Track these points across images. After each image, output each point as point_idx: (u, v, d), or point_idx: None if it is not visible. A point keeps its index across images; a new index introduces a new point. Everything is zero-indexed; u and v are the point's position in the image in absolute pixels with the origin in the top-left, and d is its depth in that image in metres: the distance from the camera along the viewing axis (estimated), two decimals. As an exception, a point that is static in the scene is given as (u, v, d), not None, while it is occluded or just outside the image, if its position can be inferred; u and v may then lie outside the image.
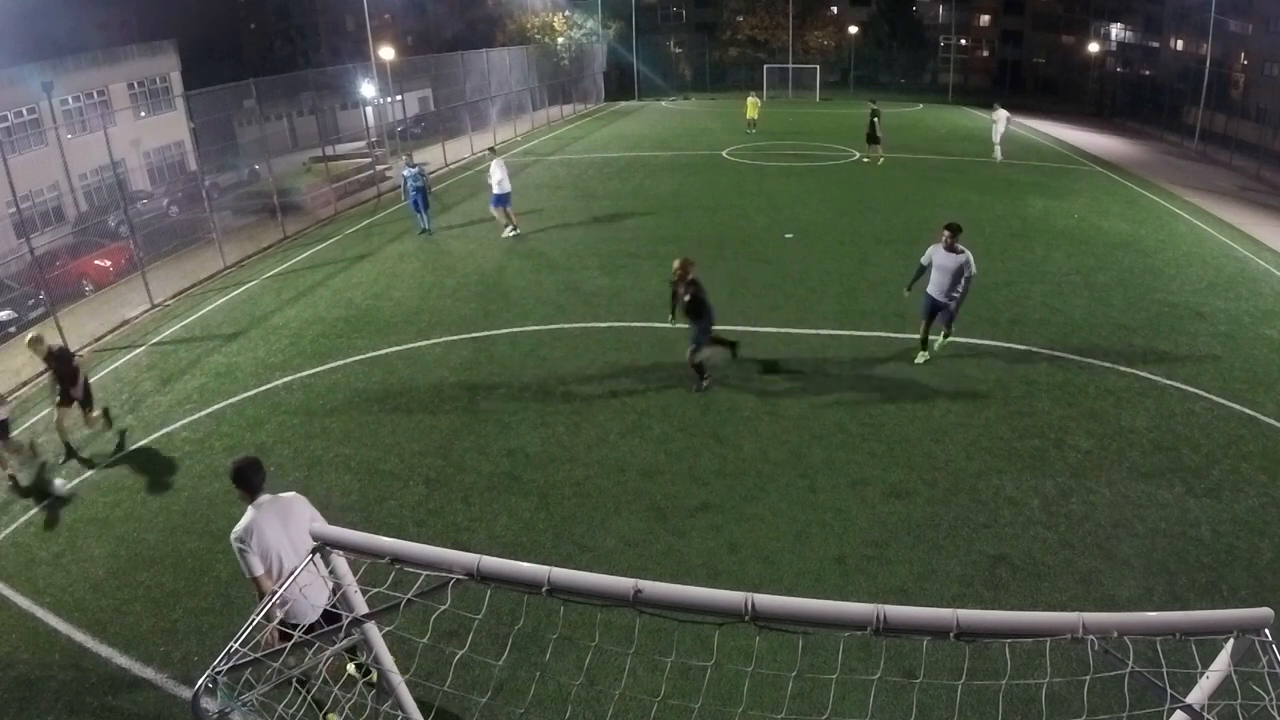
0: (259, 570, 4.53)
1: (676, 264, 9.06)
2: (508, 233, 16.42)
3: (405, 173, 16.97)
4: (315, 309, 12.91)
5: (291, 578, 3.04)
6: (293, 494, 4.86)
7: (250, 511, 4.62)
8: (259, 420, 9.26)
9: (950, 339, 10.01)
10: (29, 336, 8.83)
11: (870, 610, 2.28)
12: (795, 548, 6.72)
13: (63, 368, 8.67)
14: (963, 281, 9.21)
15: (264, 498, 4.68)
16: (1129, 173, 23.84)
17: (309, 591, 3.95)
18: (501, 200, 16.29)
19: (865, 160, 24.22)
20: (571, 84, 41.46)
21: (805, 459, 8.01)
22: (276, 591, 3.00)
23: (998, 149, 24.54)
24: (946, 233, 9.27)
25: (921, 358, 10.01)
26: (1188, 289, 12.87)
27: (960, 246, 9.21)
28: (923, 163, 24.44)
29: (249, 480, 4.65)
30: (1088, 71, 48.90)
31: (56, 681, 5.60)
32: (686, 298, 9.01)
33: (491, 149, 18.14)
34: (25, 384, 11.01)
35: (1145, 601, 5.99)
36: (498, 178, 16.09)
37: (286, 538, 4.61)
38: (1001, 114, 24.51)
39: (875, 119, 23.90)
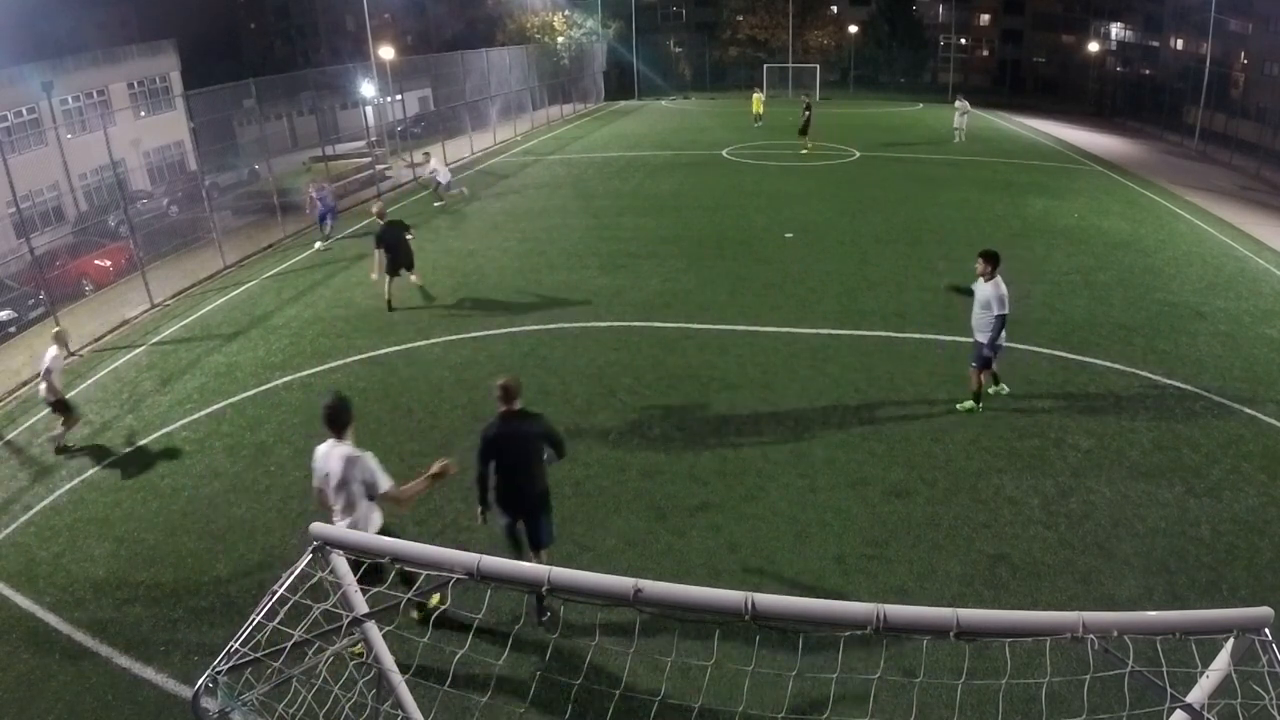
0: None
1: None
2: (463, 191, 20.36)
3: (313, 192, 17.15)
4: (315, 309, 12.91)
5: (288, 576, 3.03)
6: (354, 451, 5.35)
7: (327, 441, 5.38)
8: (259, 420, 9.26)
9: (972, 404, 8.72)
10: (376, 207, 13.06)
11: (870, 610, 2.28)
12: (795, 547, 6.72)
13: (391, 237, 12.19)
14: (992, 319, 8.18)
15: (342, 444, 5.34)
16: (1129, 172, 23.84)
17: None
18: (448, 186, 19.94)
19: (804, 151, 25.91)
20: (571, 84, 41.44)
21: (805, 458, 8.00)
22: (276, 592, 2.99)
23: (960, 132, 28.54)
24: (980, 261, 8.24)
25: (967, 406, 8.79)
26: (1188, 288, 12.86)
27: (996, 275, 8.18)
28: (923, 162, 24.45)
29: (336, 422, 5.35)
30: (1088, 71, 48.84)
31: (56, 681, 5.60)
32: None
33: (426, 153, 21.73)
34: (25, 384, 11.01)
35: (1145, 601, 5.99)
36: (439, 168, 20.16)
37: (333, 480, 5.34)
38: (964, 104, 29.19)
39: (808, 113, 26.57)
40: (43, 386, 8.98)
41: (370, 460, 5.33)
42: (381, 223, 12.46)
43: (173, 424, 9.30)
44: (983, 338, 8.38)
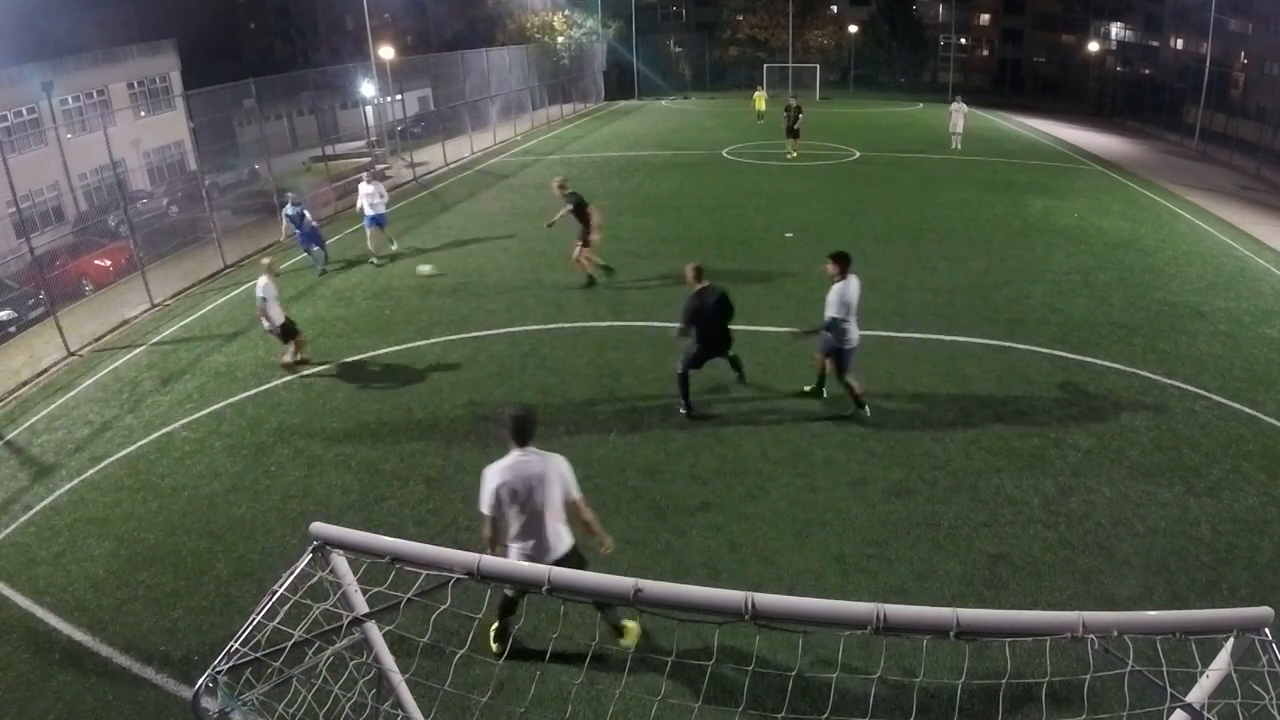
0: (487, 510, 4.99)
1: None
2: (382, 256, 15.08)
3: (288, 212, 14.52)
4: (315, 309, 12.90)
5: (288, 576, 3.03)
6: (549, 456, 5.05)
7: (511, 454, 4.97)
8: (259, 420, 9.26)
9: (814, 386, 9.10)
10: (556, 180, 13.03)
11: (870, 609, 2.28)
12: (795, 547, 6.72)
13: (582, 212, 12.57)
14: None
15: (531, 450, 4.98)
16: (1129, 172, 23.84)
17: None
18: (378, 220, 15.12)
19: (791, 157, 24.74)
20: (571, 83, 41.44)
21: (805, 458, 8.00)
22: (276, 591, 2.99)
23: (957, 138, 26.32)
24: (829, 263, 8.28)
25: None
26: (1188, 288, 12.86)
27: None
28: (923, 162, 24.45)
29: (527, 431, 4.98)
30: (1088, 71, 48.87)
31: (56, 681, 5.60)
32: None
33: (369, 169, 16.87)
34: (25, 384, 11.01)
35: (1145, 600, 5.99)
36: (372, 196, 15.08)
37: (533, 493, 4.92)
38: (962, 106, 26.86)
39: (798, 114, 25.12)
40: (263, 319, 9.93)
41: (566, 462, 5.08)
42: (566, 193, 12.72)
43: (173, 424, 9.30)
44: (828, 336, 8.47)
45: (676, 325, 8.79)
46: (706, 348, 8.66)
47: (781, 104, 29.98)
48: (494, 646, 5.50)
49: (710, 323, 8.53)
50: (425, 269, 13.61)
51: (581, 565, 5.17)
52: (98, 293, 15.90)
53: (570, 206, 12.68)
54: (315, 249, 14.90)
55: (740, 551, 6.68)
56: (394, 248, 15.69)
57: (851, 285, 8.20)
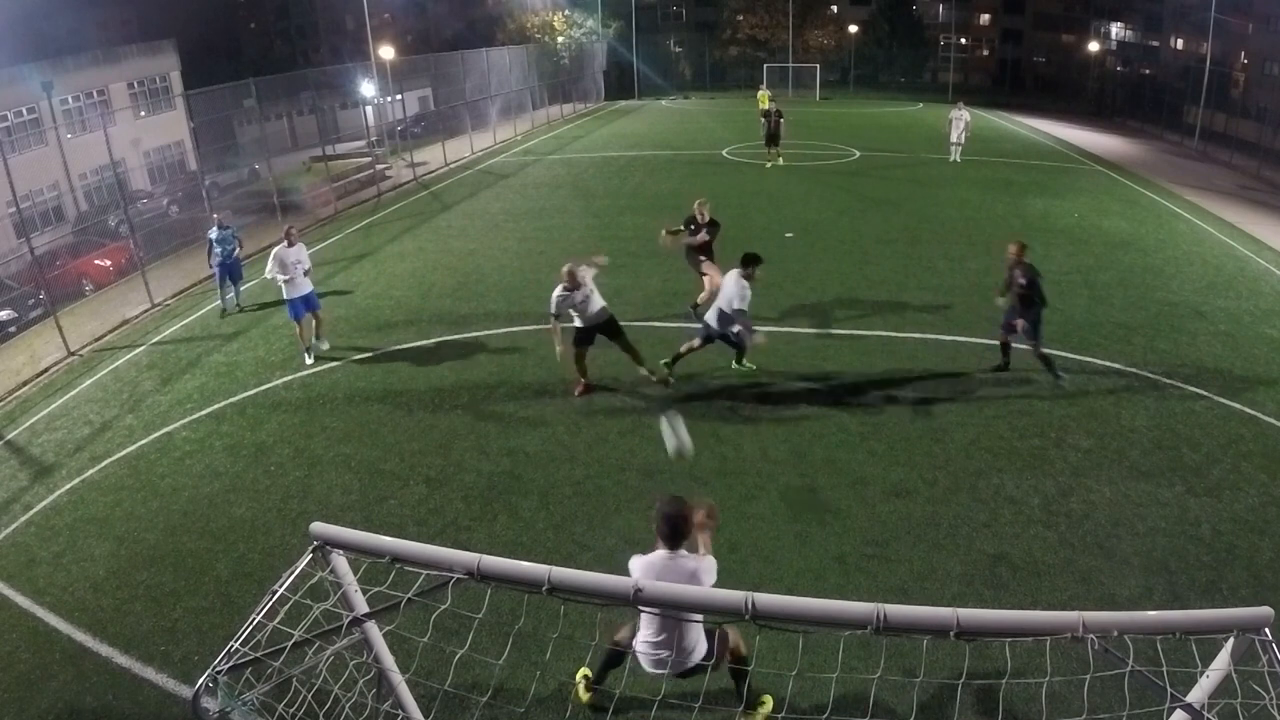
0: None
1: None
2: (312, 353, 10.78)
3: (212, 234, 12.68)
4: (315, 309, 12.89)
5: (288, 576, 3.03)
6: (701, 564, 4.37)
7: (657, 553, 4.40)
8: (259, 420, 9.26)
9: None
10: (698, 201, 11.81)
11: (870, 609, 2.28)
12: (795, 547, 6.72)
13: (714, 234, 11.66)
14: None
15: (681, 553, 4.36)
16: (1129, 172, 23.84)
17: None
18: (308, 306, 10.68)
19: (768, 165, 23.18)
20: (571, 83, 41.44)
21: (805, 458, 8.00)
22: (277, 591, 2.99)
23: (957, 149, 23.80)
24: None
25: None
26: (1188, 288, 12.86)
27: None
28: (923, 161, 24.44)
29: (679, 533, 4.35)
30: (1088, 70, 48.87)
31: (56, 681, 5.60)
32: (1022, 281, 9.11)
33: (288, 232, 10.69)
34: (25, 384, 11.01)
35: (1145, 600, 5.99)
36: (290, 270, 10.36)
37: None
38: (963, 112, 23.88)
39: (780, 120, 23.20)
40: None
41: (715, 566, 4.42)
42: (706, 220, 11.47)
43: (173, 423, 9.30)
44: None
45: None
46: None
47: (783, 103, 29.47)
48: (583, 696, 5.11)
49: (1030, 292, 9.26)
50: (678, 439, 7.50)
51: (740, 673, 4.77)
52: (98, 293, 15.89)
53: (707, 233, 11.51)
54: (231, 288, 12.95)
55: (740, 551, 6.68)
56: (325, 345, 11.00)
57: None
